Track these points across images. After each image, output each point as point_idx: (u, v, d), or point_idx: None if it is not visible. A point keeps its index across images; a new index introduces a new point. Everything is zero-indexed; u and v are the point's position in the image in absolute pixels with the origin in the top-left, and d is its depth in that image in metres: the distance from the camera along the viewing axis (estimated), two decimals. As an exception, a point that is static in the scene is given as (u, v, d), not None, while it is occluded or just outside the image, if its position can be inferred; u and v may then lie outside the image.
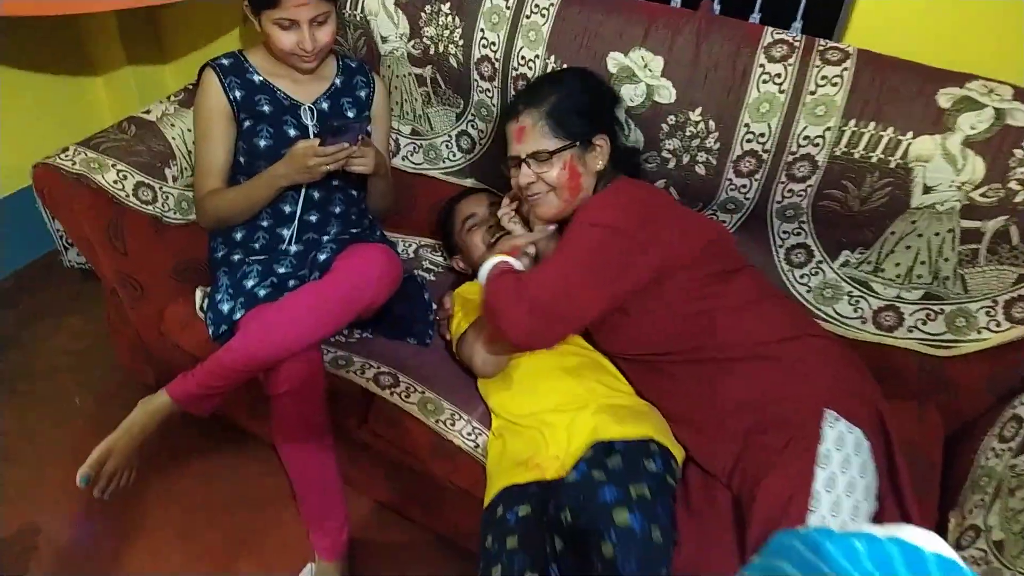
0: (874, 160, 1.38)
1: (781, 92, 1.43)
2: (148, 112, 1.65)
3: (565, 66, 1.55)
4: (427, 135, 1.86)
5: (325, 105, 1.66)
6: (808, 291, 1.55)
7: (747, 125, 1.46)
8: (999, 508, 1.18)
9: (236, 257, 1.61)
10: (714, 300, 1.30)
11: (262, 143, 1.60)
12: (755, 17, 1.66)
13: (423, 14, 1.70)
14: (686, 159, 1.53)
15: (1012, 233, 1.32)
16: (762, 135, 1.45)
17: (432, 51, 1.71)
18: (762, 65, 1.44)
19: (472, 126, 1.79)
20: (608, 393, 1.36)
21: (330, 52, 1.68)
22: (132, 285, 1.59)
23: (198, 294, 1.62)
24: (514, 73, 1.63)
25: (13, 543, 1.59)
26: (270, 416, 1.40)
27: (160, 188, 1.59)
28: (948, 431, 1.46)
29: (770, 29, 1.47)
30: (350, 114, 1.70)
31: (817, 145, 1.41)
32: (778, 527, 1.08)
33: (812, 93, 1.41)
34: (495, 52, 1.64)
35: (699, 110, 1.49)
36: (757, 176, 1.49)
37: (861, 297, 1.50)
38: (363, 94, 1.72)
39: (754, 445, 1.21)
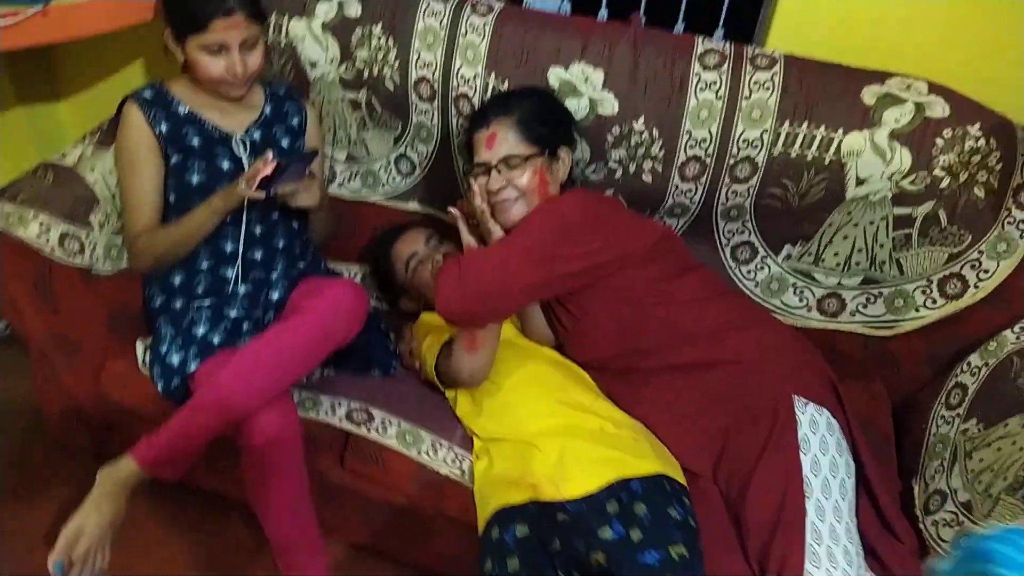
0: (809, 158, 1.46)
1: (718, 99, 1.49)
2: (64, 157, 1.53)
3: (511, 84, 1.56)
4: (364, 160, 1.82)
5: (257, 135, 1.59)
6: (756, 285, 1.62)
7: (689, 132, 1.51)
8: (959, 471, 1.28)
9: (178, 304, 1.52)
10: (669, 297, 1.35)
11: (194, 179, 1.51)
12: (679, 27, 1.72)
13: (354, 37, 1.66)
14: (632, 168, 1.57)
15: (941, 216, 1.44)
16: (704, 140, 1.51)
17: (366, 74, 1.68)
18: (698, 74, 1.50)
19: (411, 148, 1.76)
20: (592, 409, 1.36)
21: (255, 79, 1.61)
22: (65, 345, 1.47)
23: (139, 348, 1.52)
24: (454, 93, 1.62)
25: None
26: (242, 470, 1.33)
27: (87, 236, 1.47)
28: (893, 404, 1.57)
29: (701, 38, 1.54)
30: (284, 143, 1.63)
31: (756, 147, 1.48)
32: (778, 521, 1.13)
33: (747, 98, 1.48)
34: (433, 72, 1.62)
35: (642, 120, 1.53)
36: (702, 180, 1.55)
37: (805, 287, 1.59)
38: (295, 122, 1.66)
39: (734, 443, 1.26)
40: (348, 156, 1.82)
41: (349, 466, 1.45)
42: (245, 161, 1.55)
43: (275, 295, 1.55)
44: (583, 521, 1.18)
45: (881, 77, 1.45)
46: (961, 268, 1.44)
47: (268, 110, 1.61)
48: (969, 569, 0.51)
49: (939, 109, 1.40)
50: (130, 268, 1.56)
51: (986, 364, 1.35)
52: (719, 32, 1.70)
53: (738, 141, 1.49)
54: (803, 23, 1.59)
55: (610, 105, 1.53)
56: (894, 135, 1.42)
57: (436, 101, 1.65)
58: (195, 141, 1.52)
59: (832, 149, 1.45)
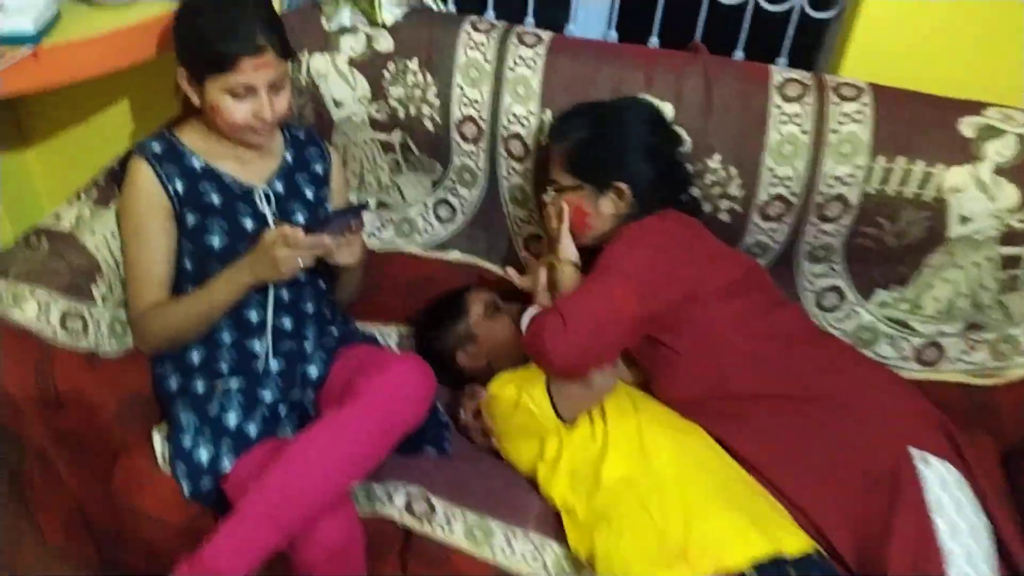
0: (908, 195, 1.34)
1: (804, 133, 1.35)
2: (59, 219, 1.31)
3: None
4: (398, 207, 1.63)
5: (280, 186, 1.39)
6: (844, 335, 1.48)
7: (771, 169, 1.37)
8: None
9: (199, 386, 1.31)
10: (758, 333, 1.25)
11: (216, 241, 1.31)
12: (738, 55, 1.59)
13: (387, 73, 1.48)
14: (708, 208, 1.43)
15: (1053, 255, 1.32)
16: (788, 178, 1.37)
17: (402, 114, 1.50)
18: (778, 106, 1.37)
19: (452, 193, 1.59)
20: (713, 467, 1.21)
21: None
22: (70, 442, 1.24)
23: (156, 440, 1.30)
24: (505, 133, 1.46)
25: None
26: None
27: (90, 313, 1.25)
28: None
29: (776, 68, 1.41)
30: (307, 192, 1.44)
31: (848, 184, 1.35)
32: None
33: (835, 131, 1.35)
34: (479, 111, 1.45)
35: (717, 157, 1.39)
36: (786, 219, 1.41)
37: (901, 337, 1.46)
38: (319, 168, 1.46)
39: (858, 512, 1.13)
40: (380, 203, 1.63)
41: (413, 572, 1.25)
42: (270, 217, 1.35)
43: (313, 371, 1.35)
44: None
45: (976, 107, 1.33)
46: (1073, 310, 1.33)
47: (289, 157, 1.42)
48: None
49: (1044, 141, 1.29)
50: (135, 347, 1.34)
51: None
52: (782, 61, 1.58)
53: (827, 178, 1.35)
54: (880, 51, 1.46)
55: (683, 141, 1.39)
56: (998, 170, 1.30)
57: (483, 142, 1.48)
58: (214, 199, 1.32)
59: (932, 186, 1.32)
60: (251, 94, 1.23)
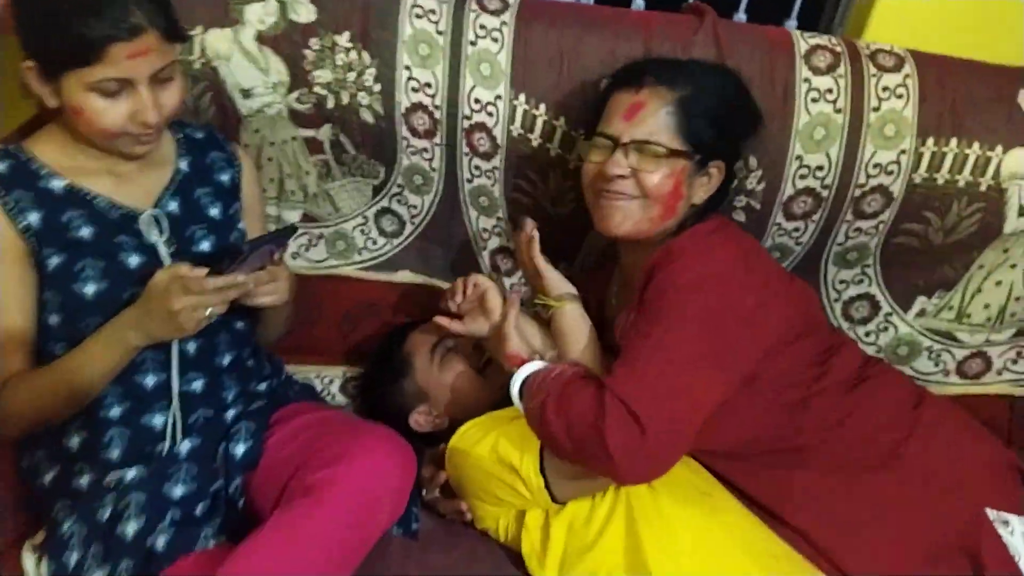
0: (961, 184, 1.13)
1: (837, 112, 1.12)
2: None
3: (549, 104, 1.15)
4: (329, 220, 1.31)
5: (174, 206, 1.07)
6: (878, 351, 1.28)
7: (799, 158, 1.13)
8: None
9: (83, 480, 0.99)
10: (818, 381, 1.04)
11: (89, 288, 0.98)
12: (740, 16, 1.33)
13: (309, 52, 1.15)
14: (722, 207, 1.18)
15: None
16: (820, 168, 1.14)
17: (331, 104, 1.18)
18: (807, 79, 1.12)
19: (399, 201, 1.28)
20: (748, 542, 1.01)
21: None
22: None
23: (27, 558, 0.97)
24: (467, 124, 1.16)
25: None
26: None
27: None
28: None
29: (801, 33, 1.16)
30: (212, 211, 1.11)
31: (891, 173, 1.13)
32: None
33: (876, 109, 1.12)
34: (432, 98, 1.15)
35: (734, 145, 1.14)
36: (815, 217, 1.18)
37: (943, 350, 1.27)
38: (225, 178, 1.14)
39: None
40: (305, 216, 1.31)
41: None
42: (161, 251, 1.02)
43: (239, 448, 1.04)
44: None
45: (1037, 75, 1.13)
46: None
47: (184, 166, 1.10)
48: None
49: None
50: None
51: None
52: (790, 24, 1.34)
53: (867, 166, 1.12)
54: (906, 12, 1.24)
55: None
56: (1065, 150, 1.10)
57: (439, 136, 1.18)
58: (84, 231, 0.99)
59: (990, 172, 1.12)
60: (127, 90, 0.93)
